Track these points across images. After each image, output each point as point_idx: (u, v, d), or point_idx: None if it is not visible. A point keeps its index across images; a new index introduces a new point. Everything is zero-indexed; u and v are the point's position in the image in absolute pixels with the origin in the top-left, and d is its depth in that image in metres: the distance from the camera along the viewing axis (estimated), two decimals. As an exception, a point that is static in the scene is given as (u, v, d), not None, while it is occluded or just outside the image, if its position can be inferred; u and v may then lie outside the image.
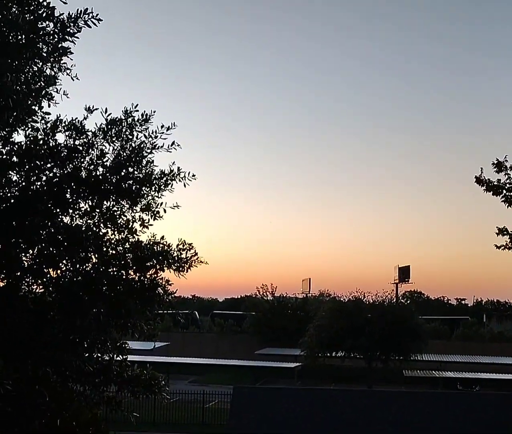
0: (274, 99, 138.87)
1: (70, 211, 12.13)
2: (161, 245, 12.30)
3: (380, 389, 33.68)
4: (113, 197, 12.20)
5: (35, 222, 11.65)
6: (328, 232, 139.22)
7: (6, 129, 11.73)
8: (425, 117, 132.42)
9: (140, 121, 12.12)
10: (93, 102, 12.11)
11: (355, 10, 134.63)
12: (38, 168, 11.89)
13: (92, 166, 12.08)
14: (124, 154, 12.13)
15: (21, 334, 11.00)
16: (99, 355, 12.30)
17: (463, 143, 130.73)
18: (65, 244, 11.82)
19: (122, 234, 12.39)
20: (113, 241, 12.33)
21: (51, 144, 12.00)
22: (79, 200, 12.12)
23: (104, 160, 12.12)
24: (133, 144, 12.16)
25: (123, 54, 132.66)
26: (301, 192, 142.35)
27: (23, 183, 11.92)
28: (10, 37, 10.84)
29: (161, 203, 12.49)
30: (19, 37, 10.86)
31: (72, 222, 12.16)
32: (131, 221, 12.43)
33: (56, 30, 10.99)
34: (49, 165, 11.94)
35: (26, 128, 12.05)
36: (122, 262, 12.19)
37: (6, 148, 11.95)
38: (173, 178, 12.36)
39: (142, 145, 12.17)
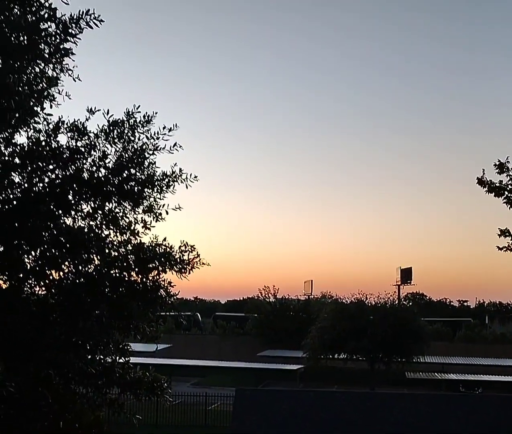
0: (274, 99, 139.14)
1: (73, 213, 12.13)
2: (163, 247, 12.29)
3: (382, 391, 33.62)
4: (115, 199, 12.19)
5: (37, 223, 11.63)
6: (330, 233, 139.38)
7: (8, 131, 11.73)
8: (426, 117, 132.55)
9: (142, 122, 12.12)
10: (95, 104, 12.14)
11: (355, 11, 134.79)
12: (40, 169, 11.89)
13: (94, 168, 12.08)
14: (126, 155, 12.13)
15: (24, 336, 10.98)
16: (101, 357, 12.29)
17: (465, 144, 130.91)
18: (68, 245, 11.81)
19: (124, 235, 12.39)
20: (115, 243, 12.33)
21: (53, 145, 11.99)
22: (81, 202, 12.11)
23: (106, 161, 12.12)
24: (135, 146, 12.16)
25: (124, 55, 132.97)
26: (302, 193, 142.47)
27: (25, 185, 11.92)
28: (12, 38, 10.84)
29: (163, 205, 12.49)
30: (21, 38, 10.87)
31: (75, 224, 12.16)
32: (133, 222, 12.43)
33: (58, 31, 11.00)
34: (51, 166, 11.94)
35: (28, 130, 12.05)
36: (124, 264, 12.18)
37: (8, 149, 11.95)
38: (175, 179, 12.35)
39: (144, 147, 12.17)
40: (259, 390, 31.12)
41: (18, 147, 11.96)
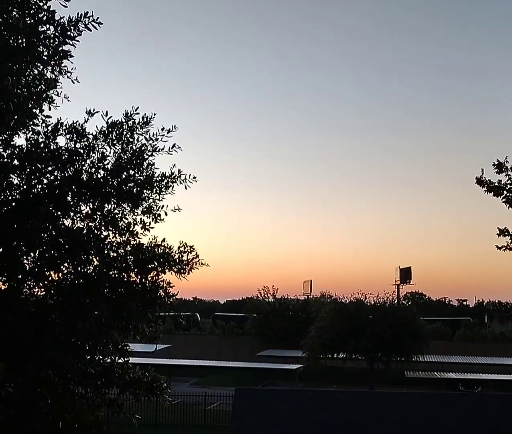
0: (274, 101, 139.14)
1: (71, 214, 12.17)
2: (162, 247, 12.32)
3: (382, 390, 33.65)
4: (114, 200, 12.22)
5: (36, 225, 11.67)
6: (329, 233, 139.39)
7: (7, 133, 11.76)
8: (425, 118, 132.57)
9: (140, 124, 12.15)
10: (93, 105, 12.18)
11: (355, 13, 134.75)
12: (39, 171, 11.92)
13: (93, 169, 12.11)
14: (125, 157, 12.15)
15: (23, 337, 11.01)
16: (100, 357, 12.32)
17: (464, 144, 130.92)
18: (67, 246, 11.85)
19: (123, 236, 12.42)
20: (114, 244, 12.36)
21: (52, 147, 12.03)
22: (80, 203, 12.15)
23: (105, 163, 12.15)
24: (134, 147, 12.19)
25: (123, 57, 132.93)
26: (302, 194, 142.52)
27: (24, 187, 11.95)
28: (11, 41, 10.86)
29: (162, 206, 12.51)
30: (20, 40, 10.89)
31: (73, 225, 12.19)
32: (132, 223, 12.47)
33: (56, 33, 11.01)
34: (50, 168, 11.97)
35: (27, 132, 12.08)
36: (124, 265, 12.21)
37: (7, 151, 11.99)
38: (174, 180, 12.38)
39: (143, 148, 12.20)
40: (258, 390, 31.14)
41: (17, 149, 12.00)
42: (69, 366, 11.68)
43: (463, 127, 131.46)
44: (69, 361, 11.64)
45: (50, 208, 11.88)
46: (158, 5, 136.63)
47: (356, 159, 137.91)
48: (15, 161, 11.95)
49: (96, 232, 12.20)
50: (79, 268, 12.06)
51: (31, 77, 11.52)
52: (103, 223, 12.27)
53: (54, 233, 11.92)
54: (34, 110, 11.82)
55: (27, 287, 12.11)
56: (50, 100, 12.03)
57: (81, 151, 12.06)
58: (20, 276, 11.97)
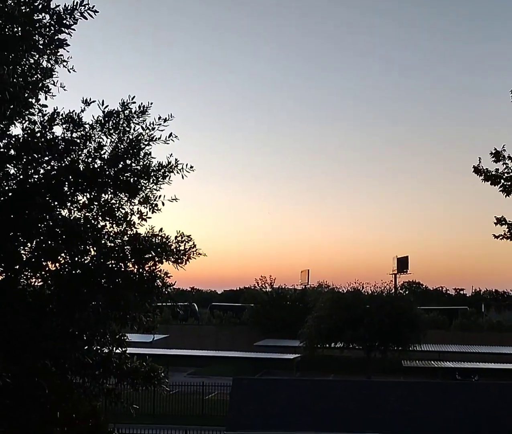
0: (272, 91, 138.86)
1: (68, 204, 12.13)
2: (159, 237, 12.29)
3: (379, 380, 33.76)
4: (111, 190, 12.19)
5: (33, 215, 11.62)
6: (327, 223, 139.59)
7: (3, 122, 11.70)
8: (422, 107, 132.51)
9: (137, 113, 12.10)
10: (90, 95, 12.11)
11: (355, 6, 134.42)
12: (36, 161, 11.87)
13: (90, 159, 12.07)
14: (122, 146, 12.11)
15: (20, 327, 11.00)
16: (98, 347, 12.31)
17: (461, 133, 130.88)
18: (64, 237, 11.81)
19: (121, 226, 12.39)
20: (111, 234, 12.33)
21: (48, 137, 11.97)
22: (77, 193, 12.11)
23: (102, 152, 12.10)
24: (131, 137, 12.14)
25: (121, 46, 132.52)
26: (299, 184, 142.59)
27: (21, 177, 11.91)
28: (6, 30, 10.80)
29: (159, 196, 12.49)
30: (15, 29, 10.83)
31: (70, 215, 12.16)
32: (129, 213, 12.42)
33: (52, 22, 10.96)
34: (46, 158, 11.93)
35: (23, 121, 12.02)
36: (121, 255, 12.19)
37: (4, 141, 11.93)
38: (171, 170, 12.34)
39: (139, 137, 12.15)
40: (256, 380, 31.24)
41: (13, 139, 11.94)
42: (67, 356, 11.67)
43: (460, 117, 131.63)
44: (66, 351, 11.63)
45: (47, 198, 11.83)
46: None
47: (353, 149, 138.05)
48: (12, 151, 11.90)
49: (93, 222, 12.16)
50: (76, 258, 12.03)
51: (27, 66, 11.46)
52: (100, 213, 12.24)
53: (51, 223, 11.88)
54: (30, 99, 11.76)
55: (24, 277, 12.08)
56: (46, 89, 11.97)
57: (78, 141, 12.01)
58: (17, 267, 11.94)
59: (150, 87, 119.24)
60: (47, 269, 12.04)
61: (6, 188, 11.89)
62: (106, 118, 12.01)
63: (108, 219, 12.31)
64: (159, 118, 12.12)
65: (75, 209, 12.19)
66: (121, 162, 12.09)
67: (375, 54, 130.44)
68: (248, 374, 42.41)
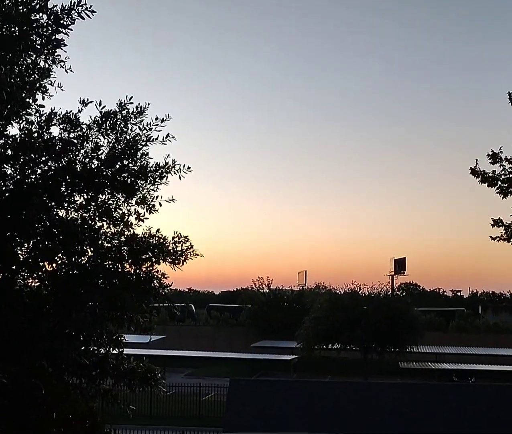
0: (272, 91, 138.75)
1: (65, 204, 12.12)
2: (156, 238, 12.29)
3: (376, 381, 33.76)
4: (108, 191, 12.18)
5: (30, 215, 11.60)
6: (324, 224, 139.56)
7: (1, 122, 11.69)
8: (419, 109, 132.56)
9: (134, 113, 12.09)
10: (87, 95, 12.11)
11: (355, 6, 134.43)
12: (33, 161, 11.86)
13: (87, 160, 12.06)
14: (119, 147, 12.10)
15: (17, 327, 10.98)
16: (95, 348, 12.29)
17: (458, 135, 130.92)
18: (61, 237, 11.80)
19: (118, 227, 12.38)
20: (108, 234, 12.32)
21: (45, 137, 11.96)
22: (74, 193, 12.10)
23: (99, 153, 12.09)
24: (128, 137, 12.13)
25: (119, 46, 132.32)
26: (297, 185, 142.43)
27: (18, 177, 11.89)
28: (4, 30, 10.80)
29: (157, 196, 12.48)
30: (13, 29, 10.82)
31: (67, 215, 12.14)
32: (127, 214, 12.42)
33: (49, 22, 10.95)
34: (43, 158, 11.92)
35: (20, 121, 12.02)
36: (118, 255, 12.18)
37: (1, 141, 11.92)
38: (168, 170, 12.34)
39: (136, 138, 12.15)
40: (253, 381, 31.23)
41: (10, 139, 11.93)
42: (64, 356, 11.65)
43: (457, 118, 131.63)
44: (63, 352, 11.61)
45: (44, 198, 11.82)
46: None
47: (352, 150, 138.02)
48: (9, 151, 11.89)
49: (90, 222, 12.15)
50: (73, 259, 12.02)
51: (24, 66, 11.45)
52: (97, 214, 12.23)
53: (48, 224, 11.87)
54: (27, 99, 11.76)
55: (21, 277, 12.07)
56: (44, 89, 11.97)
57: (75, 141, 12.00)
58: (14, 267, 11.93)
59: (149, 87, 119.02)
60: (44, 269, 12.02)
61: (3, 188, 11.87)
62: (104, 119, 12.01)
63: (105, 219, 12.30)
64: (156, 118, 12.13)
65: (72, 209, 12.18)
66: (118, 163, 12.09)
67: (375, 54, 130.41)
68: (245, 375, 42.40)
